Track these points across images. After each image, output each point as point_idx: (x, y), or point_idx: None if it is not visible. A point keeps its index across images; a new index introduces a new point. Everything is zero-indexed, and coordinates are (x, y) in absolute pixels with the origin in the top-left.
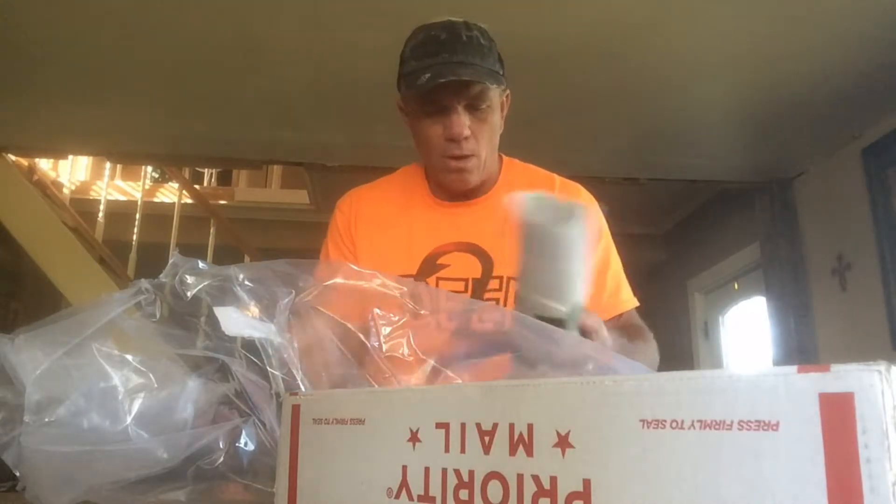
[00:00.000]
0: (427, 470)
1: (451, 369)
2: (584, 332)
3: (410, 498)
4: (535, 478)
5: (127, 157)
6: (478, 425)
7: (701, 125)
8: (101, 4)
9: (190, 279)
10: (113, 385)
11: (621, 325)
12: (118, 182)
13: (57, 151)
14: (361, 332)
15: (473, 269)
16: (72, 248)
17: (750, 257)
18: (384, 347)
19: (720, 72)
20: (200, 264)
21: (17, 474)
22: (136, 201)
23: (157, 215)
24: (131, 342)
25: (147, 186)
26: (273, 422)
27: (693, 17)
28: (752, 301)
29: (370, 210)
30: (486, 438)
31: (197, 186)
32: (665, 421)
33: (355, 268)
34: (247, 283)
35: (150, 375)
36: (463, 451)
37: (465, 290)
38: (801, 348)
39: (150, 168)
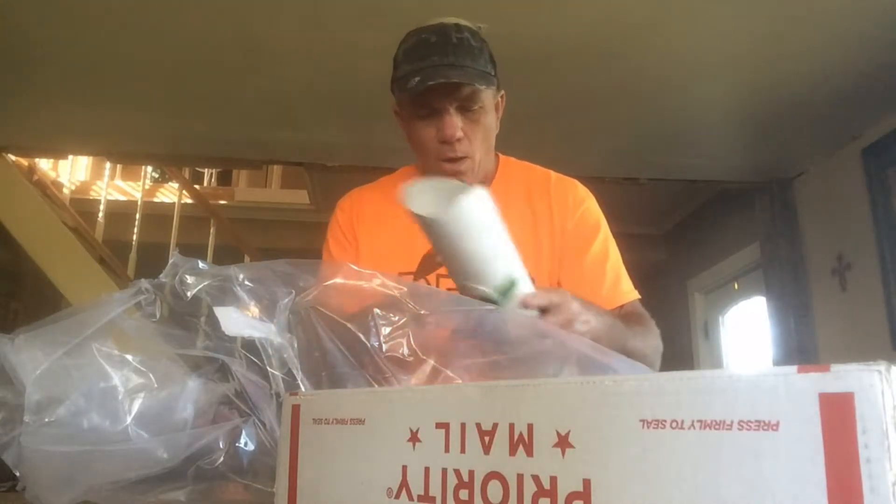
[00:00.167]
0: (427, 470)
1: (451, 369)
2: (527, 305)
3: (410, 498)
4: (535, 478)
5: (127, 157)
6: (478, 425)
7: (701, 125)
8: (101, 4)
9: (190, 279)
10: (113, 385)
11: (622, 316)
12: (118, 182)
13: (57, 151)
14: (361, 332)
15: None
16: (72, 248)
17: (750, 257)
18: (384, 347)
19: (720, 72)
20: (200, 264)
21: (17, 474)
22: (136, 201)
23: (157, 215)
24: (131, 342)
25: (147, 186)
26: (273, 422)
27: (693, 17)
28: (752, 301)
29: (370, 209)
30: (486, 438)
31: (197, 186)
32: (665, 421)
33: (355, 268)
34: (247, 283)
35: (150, 375)
36: (463, 451)
37: None
38: (801, 348)
39: (150, 168)
